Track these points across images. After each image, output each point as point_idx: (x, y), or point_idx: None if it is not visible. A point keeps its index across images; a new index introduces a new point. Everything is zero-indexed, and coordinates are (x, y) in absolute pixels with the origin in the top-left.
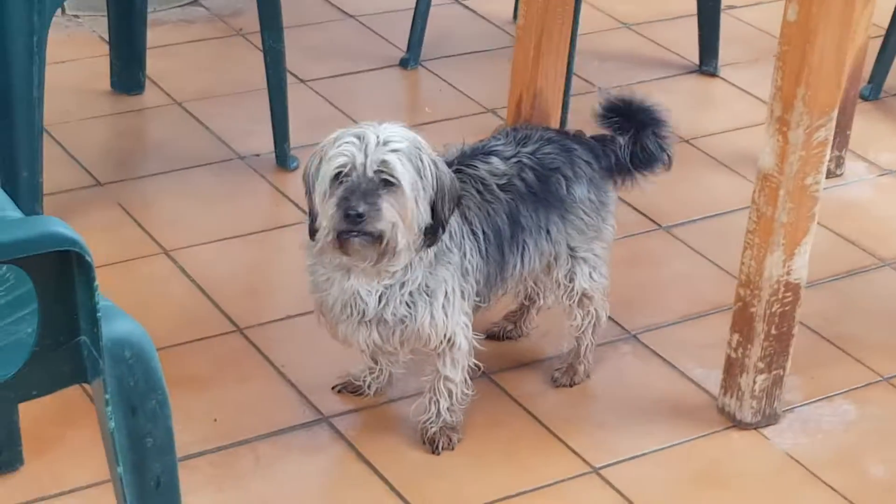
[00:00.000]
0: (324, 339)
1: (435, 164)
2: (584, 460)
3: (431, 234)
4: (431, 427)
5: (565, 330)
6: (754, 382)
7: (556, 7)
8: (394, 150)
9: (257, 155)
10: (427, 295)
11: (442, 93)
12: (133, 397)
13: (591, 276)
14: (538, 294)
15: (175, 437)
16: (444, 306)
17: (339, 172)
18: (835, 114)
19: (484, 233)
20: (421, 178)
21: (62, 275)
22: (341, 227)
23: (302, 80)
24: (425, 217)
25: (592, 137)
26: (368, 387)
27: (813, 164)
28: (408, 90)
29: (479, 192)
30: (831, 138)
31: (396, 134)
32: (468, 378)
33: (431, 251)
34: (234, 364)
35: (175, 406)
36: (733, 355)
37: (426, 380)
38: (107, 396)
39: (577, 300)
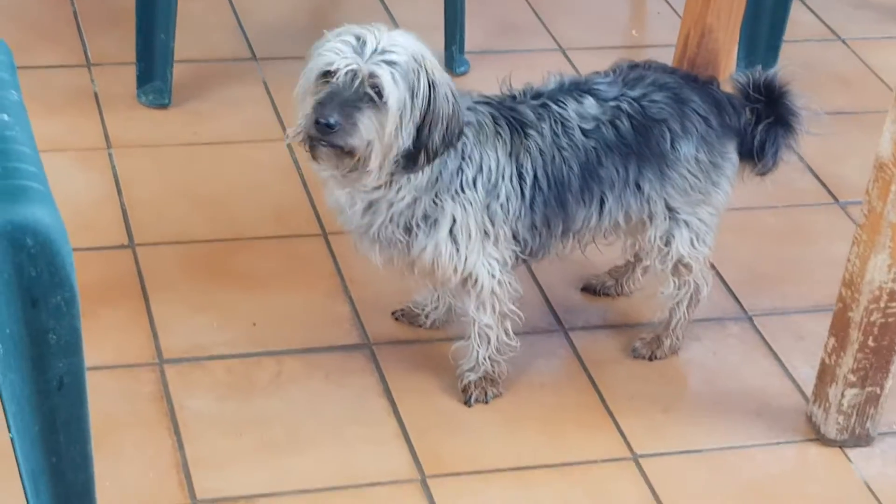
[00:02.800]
0: None
1: (434, 85)
2: (627, 444)
3: (411, 159)
4: (469, 375)
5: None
6: (842, 396)
7: None
8: (389, 63)
9: None
10: (426, 224)
11: (660, 16)
12: (34, 289)
13: (691, 243)
14: (642, 250)
15: (201, 335)
16: (453, 240)
17: (327, 72)
18: None
19: (535, 178)
20: (413, 97)
21: None
22: (311, 133)
23: None
24: (406, 141)
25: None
26: (426, 316)
27: None
28: (623, 9)
29: (554, 133)
30: None
31: (399, 44)
32: (509, 329)
33: (433, 178)
34: (304, 268)
35: (222, 302)
36: (827, 361)
37: (466, 321)
38: None
39: (671, 266)
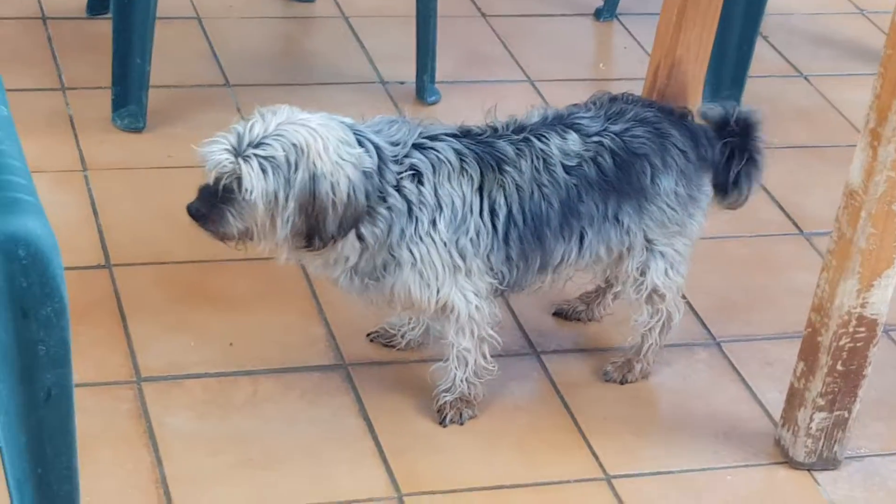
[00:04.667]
0: None
1: (314, 178)
2: (600, 465)
3: (308, 241)
4: (445, 396)
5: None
6: (811, 419)
7: None
8: (259, 156)
9: (402, 83)
10: (388, 270)
11: (626, 51)
12: (25, 300)
13: (665, 273)
14: (617, 279)
15: (178, 354)
16: (419, 275)
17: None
18: None
19: (510, 213)
20: (287, 187)
21: None
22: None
23: (483, 14)
24: (286, 227)
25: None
26: (402, 337)
27: None
28: (590, 42)
29: (535, 170)
30: None
31: (283, 134)
32: (487, 353)
33: (382, 237)
34: (279, 290)
35: (198, 322)
36: (796, 385)
37: (443, 343)
38: None
39: (645, 295)
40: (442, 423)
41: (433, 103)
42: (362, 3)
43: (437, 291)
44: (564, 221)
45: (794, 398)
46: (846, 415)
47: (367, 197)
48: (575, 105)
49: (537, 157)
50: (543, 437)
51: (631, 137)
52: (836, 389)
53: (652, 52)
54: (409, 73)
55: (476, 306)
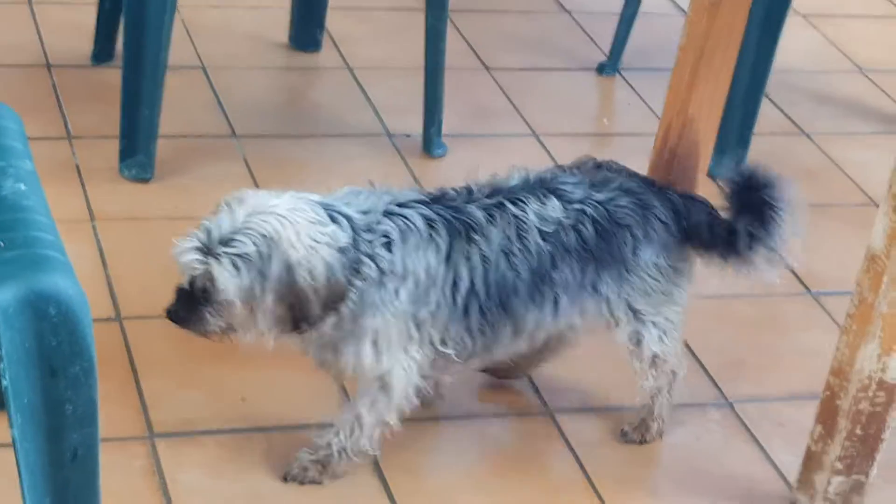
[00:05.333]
0: None
1: (290, 268)
2: None
3: (295, 325)
4: (307, 455)
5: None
6: (829, 483)
7: (721, 31)
8: (231, 254)
9: (408, 135)
10: (350, 339)
11: (630, 107)
12: (54, 359)
13: (661, 340)
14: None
15: (191, 409)
16: (374, 347)
17: None
18: None
19: (472, 285)
20: (263, 280)
21: None
22: None
23: (487, 67)
24: (267, 319)
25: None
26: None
27: None
28: (593, 97)
29: (505, 237)
30: None
31: (252, 226)
32: (378, 438)
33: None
34: (289, 345)
35: (211, 377)
36: (813, 448)
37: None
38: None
39: (649, 363)
40: (285, 477)
41: (440, 156)
42: (366, 53)
43: (384, 364)
44: (535, 289)
45: (811, 461)
46: (863, 479)
47: (346, 273)
48: (559, 167)
49: (509, 224)
50: (559, 498)
51: (615, 207)
52: (855, 454)
53: (663, 110)
54: (414, 125)
55: (411, 387)
